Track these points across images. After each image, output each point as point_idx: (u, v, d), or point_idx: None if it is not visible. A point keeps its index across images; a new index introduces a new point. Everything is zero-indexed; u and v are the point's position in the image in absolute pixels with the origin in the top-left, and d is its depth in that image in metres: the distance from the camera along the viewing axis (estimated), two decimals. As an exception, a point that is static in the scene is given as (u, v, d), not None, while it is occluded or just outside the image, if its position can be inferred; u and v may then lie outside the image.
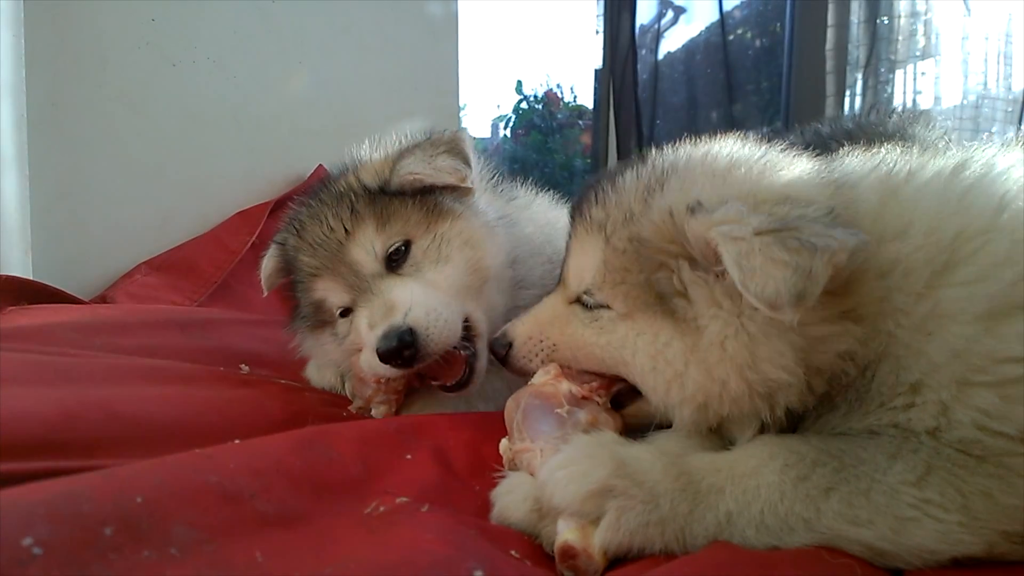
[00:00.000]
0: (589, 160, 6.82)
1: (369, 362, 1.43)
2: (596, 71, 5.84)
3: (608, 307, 1.17)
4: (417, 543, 0.92)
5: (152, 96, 2.69)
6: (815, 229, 0.97)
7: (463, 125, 4.09)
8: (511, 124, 6.63)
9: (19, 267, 2.26)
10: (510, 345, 1.30)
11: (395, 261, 1.49)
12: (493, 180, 1.80)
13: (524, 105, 6.69)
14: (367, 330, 1.42)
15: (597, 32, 5.86)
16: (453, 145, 1.59)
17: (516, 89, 6.66)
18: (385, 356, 1.36)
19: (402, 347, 1.35)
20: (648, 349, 1.11)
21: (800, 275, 0.93)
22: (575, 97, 6.75)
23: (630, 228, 1.14)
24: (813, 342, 1.03)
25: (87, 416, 1.11)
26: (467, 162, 1.57)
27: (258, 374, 1.60)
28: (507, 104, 6.69)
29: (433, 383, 1.49)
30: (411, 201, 1.53)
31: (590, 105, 6.08)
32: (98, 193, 2.53)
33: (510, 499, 1.10)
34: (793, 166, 1.19)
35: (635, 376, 1.15)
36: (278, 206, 3.06)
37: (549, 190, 1.93)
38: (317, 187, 1.68)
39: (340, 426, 1.24)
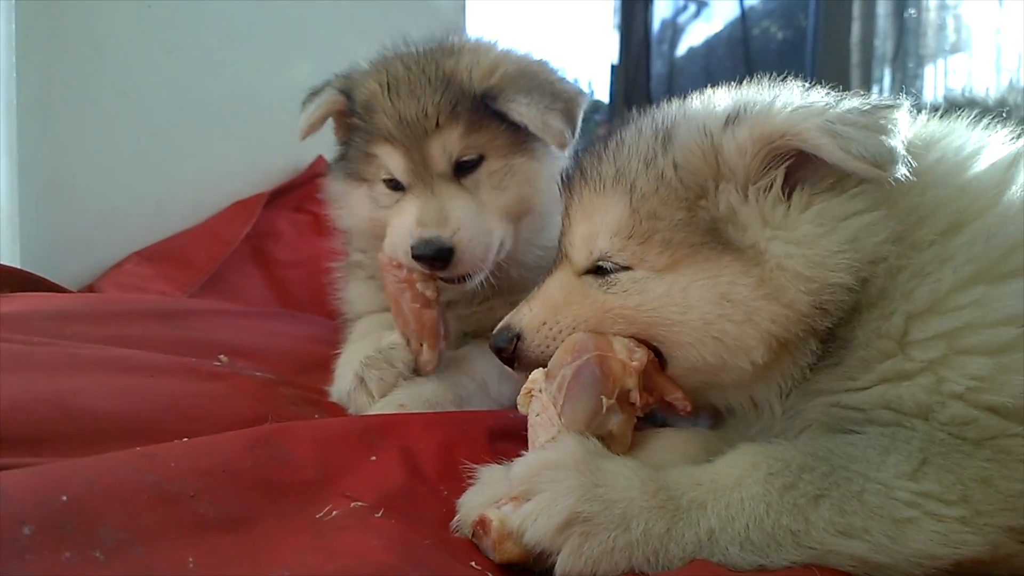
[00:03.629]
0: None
1: (394, 244, 1.54)
2: (612, 66, 5.77)
3: (630, 268, 1.11)
4: (363, 551, 0.87)
5: (148, 83, 2.66)
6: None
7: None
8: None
9: (7, 255, 2.24)
10: (518, 337, 1.20)
11: (463, 169, 1.58)
12: None
13: (540, 99, 6.62)
14: (413, 223, 1.51)
15: (615, 27, 5.80)
16: (570, 107, 1.63)
17: (532, 83, 6.59)
18: (418, 256, 1.47)
19: (437, 258, 1.47)
20: (709, 295, 1.04)
21: (895, 136, 0.95)
22: (592, 92, 6.67)
23: (655, 167, 1.10)
24: (859, 232, 1.00)
25: (35, 409, 1.08)
26: (574, 128, 1.62)
27: (233, 367, 1.56)
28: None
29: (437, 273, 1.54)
30: (504, 125, 1.61)
31: (607, 100, 6.01)
32: (91, 182, 2.50)
33: (472, 504, 1.04)
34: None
35: (685, 334, 1.07)
36: (275, 196, 3.04)
37: None
38: (422, 52, 1.71)
39: (302, 425, 1.19)
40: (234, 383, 1.44)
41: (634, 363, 1.11)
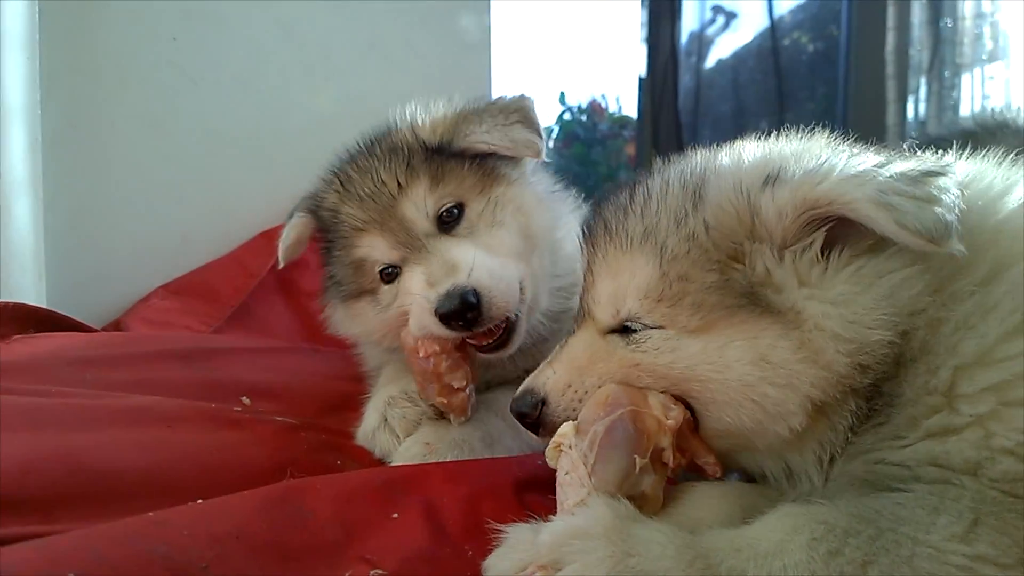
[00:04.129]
0: (634, 171, 6.69)
1: (422, 323, 1.40)
2: (640, 80, 5.71)
3: (661, 327, 1.05)
4: (381, 630, 0.83)
5: (173, 115, 2.68)
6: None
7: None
8: (553, 136, 6.53)
9: (32, 292, 2.25)
10: (542, 402, 1.13)
11: (447, 223, 1.50)
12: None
13: (567, 116, 6.58)
14: (423, 288, 1.40)
15: (642, 40, 5.74)
16: (525, 114, 1.60)
17: (559, 100, 6.56)
18: (446, 316, 1.34)
19: (465, 308, 1.33)
20: (748, 356, 0.98)
21: (948, 208, 0.90)
22: (620, 107, 6.62)
23: (686, 226, 1.04)
24: (895, 287, 0.95)
25: (47, 470, 1.05)
26: (539, 133, 1.58)
27: (254, 411, 1.52)
28: (549, 116, 6.60)
29: (470, 342, 1.44)
30: (467, 163, 1.55)
31: (635, 115, 5.95)
32: (115, 215, 2.53)
33: (499, 571, 0.99)
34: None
35: (722, 392, 1.01)
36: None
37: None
38: (362, 145, 1.67)
39: (320, 480, 1.15)
40: (254, 430, 1.41)
41: (669, 421, 1.05)
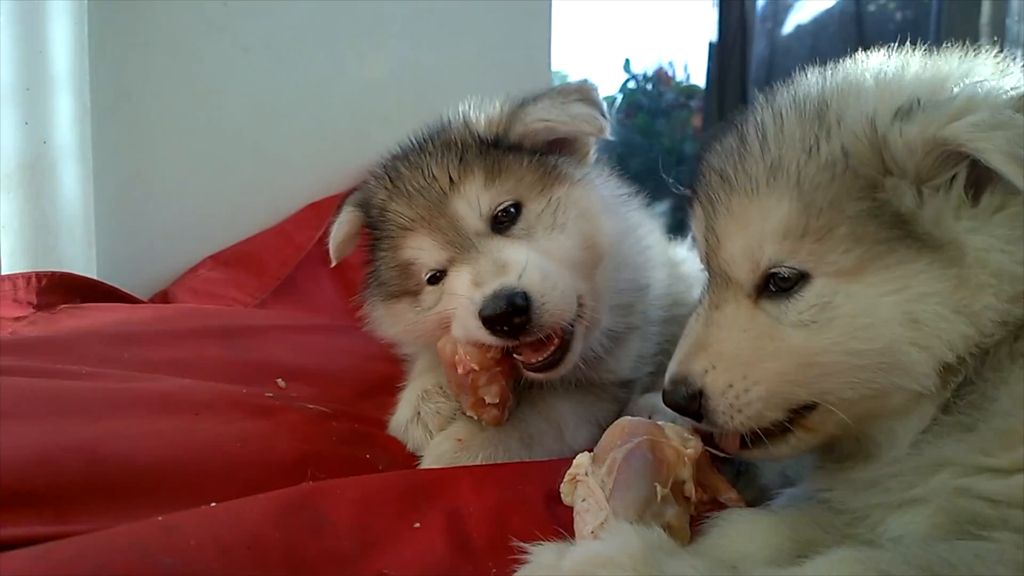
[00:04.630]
0: (700, 145, 6.46)
1: (466, 327, 1.30)
2: (710, 46, 5.48)
3: (808, 276, 0.93)
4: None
5: (223, 83, 2.66)
6: None
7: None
8: (616, 105, 6.34)
9: (82, 261, 2.28)
10: (699, 394, 1.00)
11: (502, 223, 1.39)
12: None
13: (631, 84, 6.37)
14: (469, 288, 1.29)
15: (713, 3, 5.48)
16: (585, 94, 1.49)
17: (624, 67, 6.35)
18: (491, 320, 1.22)
19: (512, 312, 1.21)
20: (898, 314, 0.89)
21: None
22: (688, 76, 6.37)
23: (821, 153, 0.94)
24: None
25: (66, 462, 1.04)
26: (602, 111, 1.47)
27: (286, 397, 1.49)
28: (612, 84, 6.40)
29: (517, 358, 1.34)
30: (527, 159, 1.45)
31: (703, 85, 5.71)
32: (165, 184, 2.54)
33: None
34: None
35: (859, 365, 0.92)
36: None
37: (657, 175, 1.82)
38: (415, 140, 1.58)
39: (341, 484, 1.11)
40: (282, 420, 1.37)
41: (688, 451, 1.01)
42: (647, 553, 0.85)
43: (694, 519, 1.03)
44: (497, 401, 1.36)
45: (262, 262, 2.57)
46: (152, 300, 2.40)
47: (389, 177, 1.52)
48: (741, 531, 1.00)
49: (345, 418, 1.50)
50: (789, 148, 0.96)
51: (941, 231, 0.89)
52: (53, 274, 2.03)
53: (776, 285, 0.97)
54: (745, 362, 0.98)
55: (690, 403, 1.01)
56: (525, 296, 1.22)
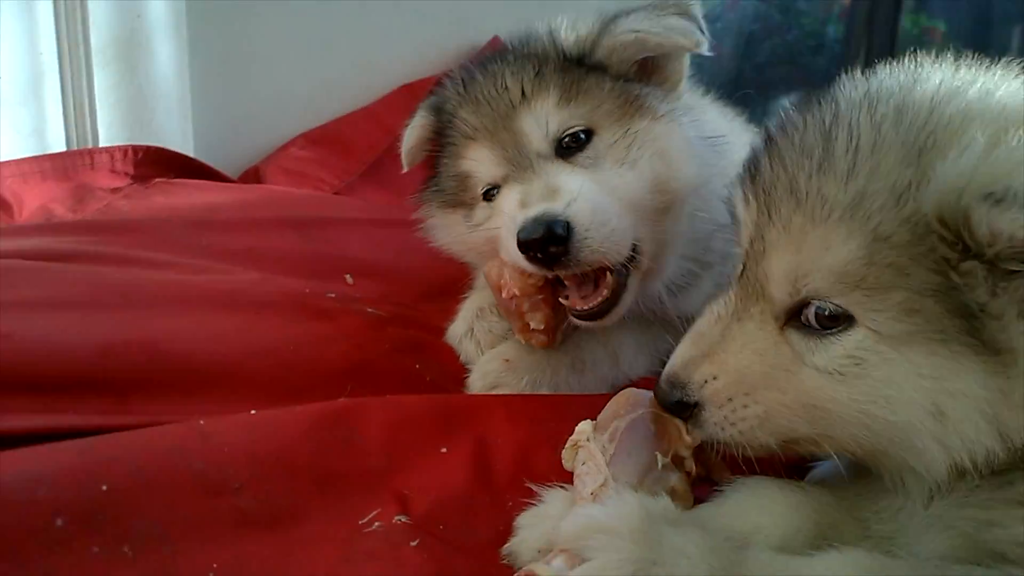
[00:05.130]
0: (844, 29, 5.89)
1: (507, 250, 1.27)
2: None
3: (852, 321, 0.83)
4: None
5: (322, -43, 2.61)
6: None
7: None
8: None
9: (178, 134, 2.37)
10: (695, 405, 0.95)
11: (569, 148, 1.32)
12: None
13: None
14: (515, 208, 1.26)
15: None
16: (683, 8, 1.37)
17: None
18: (526, 244, 1.18)
19: (550, 239, 1.16)
20: (927, 402, 0.81)
21: None
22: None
23: (909, 205, 0.80)
24: None
25: (126, 355, 1.13)
26: (700, 27, 1.35)
27: (347, 299, 1.54)
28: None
29: (563, 301, 1.31)
30: (609, 84, 1.35)
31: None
32: (261, 60, 2.56)
33: (526, 534, 0.96)
34: None
35: (872, 433, 0.85)
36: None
37: (790, 62, 1.66)
38: (499, 49, 1.53)
39: (376, 402, 1.16)
40: (340, 323, 1.43)
41: (688, 437, 0.97)
42: (647, 524, 0.85)
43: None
44: (543, 327, 1.35)
45: (350, 144, 2.60)
46: (243, 177, 2.50)
47: (463, 81, 1.46)
48: (760, 503, 0.97)
49: (403, 323, 1.55)
50: (878, 185, 0.83)
51: (1004, 335, 0.77)
52: (148, 148, 2.14)
53: (811, 319, 0.87)
54: (751, 384, 0.92)
55: (683, 410, 0.97)
56: (567, 226, 1.16)
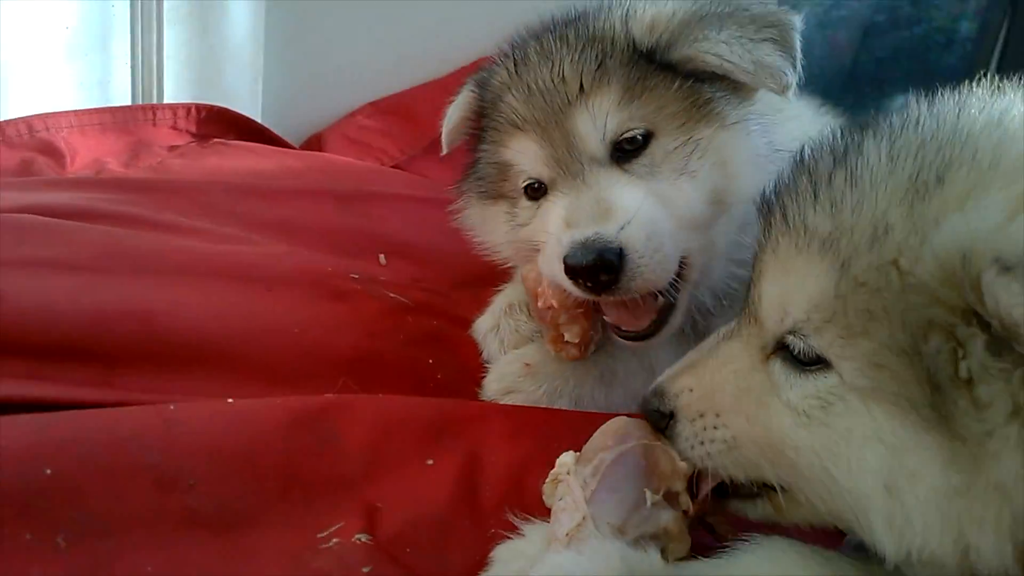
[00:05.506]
0: (977, 27, 5.40)
1: (550, 266, 1.18)
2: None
3: (826, 365, 0.77)
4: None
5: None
6: None
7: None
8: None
9: (247, 94, 2.36)
10: (671, 416, 0.91)
11: (625, 152, 1.20)
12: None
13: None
14: (561, 226, 1.16)
15: None
16: (783, 32, 1.21)
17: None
18: (574, 270, 1.10)
19: (601, 267, 1.08)
20: (887, 471, 0.73)
21: None
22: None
23: (883, 251, 0.72)
24: None
25: (119, 327, 1.10)
26: (794, 62, 1.19)
27: (369, 281, 1.47)
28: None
29: (606, 318, 1.23)
30: (677, 84, 1.21)
31: None
32: (337, 26, 2.52)
33: (500, 570, 0.88)
34: None
35: (837, 493, 0.78)
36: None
37: (914, 58, 1.48)
38: (562, 20, 1.37)
39: (366, 401, 1.09)
40: (355, 308, 1.37)
41: (682, 464, 0.90)
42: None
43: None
44: (577, 341, 1.25)
45: (417, 116, 2.53)
46: (306, 143, 2.48)
47: (515, 60, 1.32)
48: (774, 568, 0.86)
49: (428, 312, 1.47)
50: (857, 219, 0.74)
51: (978, 423, 0.65)
52: (212, 107, 2.14)
53: (798, 353, 0.80)
54: (721, 405, 0.88)
55: (659, 420, 0.92)
56: (620, 253, 1.06)
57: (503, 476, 1.03)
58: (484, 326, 1.43)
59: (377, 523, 0.92)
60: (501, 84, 1.34)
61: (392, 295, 1.47)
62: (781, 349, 0.82)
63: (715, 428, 0.88)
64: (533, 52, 1.31)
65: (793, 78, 1.16)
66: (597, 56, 1.21)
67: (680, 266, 1.15)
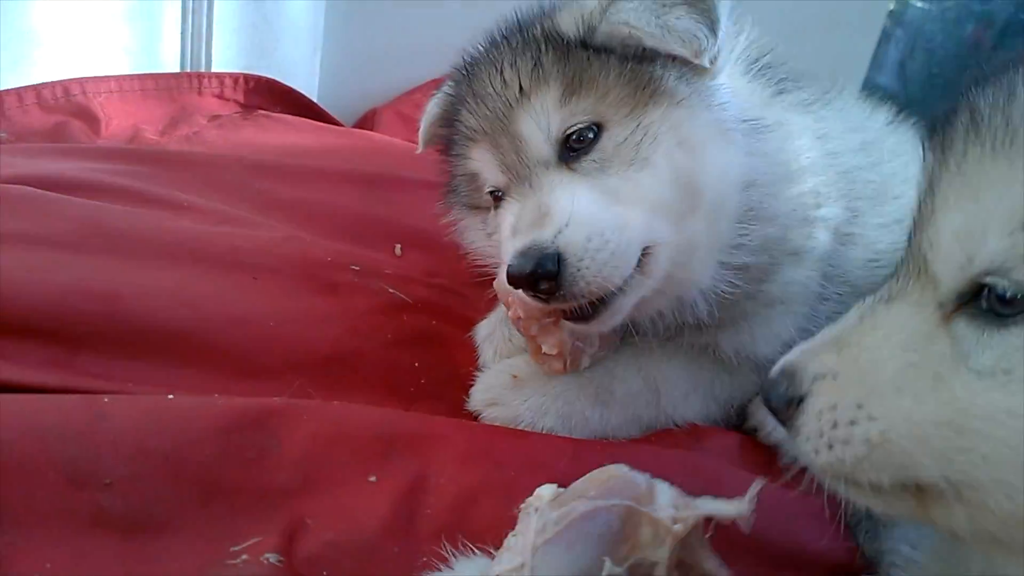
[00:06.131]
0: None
1: (502, 279, 1.15)
2: None
3: None
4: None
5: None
6: None
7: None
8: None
9: (306, 65, 2.35)
10: (800, 400, 0.74)
11: (575, 151, 1.14)
12: (758, 63, 1.31)
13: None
14: (509, 234, 1.14)
15: None
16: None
17: None
18: (514, 279, 1.06)
19: (539, 275, 1.04)
20: None
21: None
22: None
23: None
24: None
25: (82, 308, 1.08)
26: (713, 27, 1.12)
27: (370, 273, 1.42)
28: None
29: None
30: (617, 68, 1.15)
31: None
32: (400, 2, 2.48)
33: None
34: None
35: None
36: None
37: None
38: (507, 27, 1.32)
39: (316, 408, 1.04)
40: (345, 303, 1.33)
41: (676, 526, 0.77)
42: None
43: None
44: (555, 352, 1.18)
45: (475, 96, 2.48)
46: (361, 120, 2.46)
47: (467, 69, 1.29)
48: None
49: (427, 310, 1.42)
50: None
51: None
52: (260, 78, 2.14)
53: (992, 303, 0.63)
54: (874, 389, 0.69)
55: (785, 408, 0.75)
56: (558, 259, 1.00)
57: (449, 502, 0.97)
58: (482, 331, 1.38)
59: (298, 541, 0.88)
60: (456, 96, 1.31)
61: (391, 290, 1.42)
62: (968, 303, 0.65)
63: (852, 423, 0.69)
64: (483, 58, 1.27)
65: (710, 43, 1.10)
66: (532, 56, 1.15)
67: (641, 256, 1.07)
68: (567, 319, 1.12)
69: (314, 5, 2.31)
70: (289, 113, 2.14)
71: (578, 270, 1.01)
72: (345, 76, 2.45)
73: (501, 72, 1.18)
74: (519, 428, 1.19)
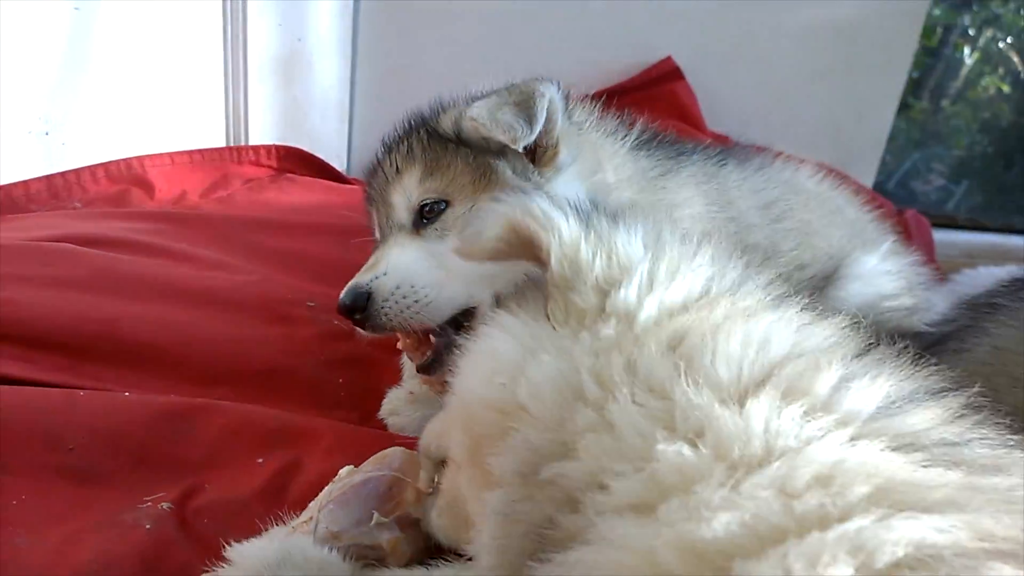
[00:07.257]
0: None
1: None
2: None
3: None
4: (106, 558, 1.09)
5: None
6: None
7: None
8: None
9: (335, 136, 2.80)
10: (368, 296, 1.37)
11: (426, 219, 1.45)
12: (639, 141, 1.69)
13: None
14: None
15: None
16: (525, 99, 1.43)
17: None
18: (338, 308, 1.41)
19: (353, 308, 1.38)
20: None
21: None
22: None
23: None
24: None
25: (89, 328, 1.53)
26: (530, 121, 1.40)
27: (323, 309, 1.79)
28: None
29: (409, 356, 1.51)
30: (467, 157, 1.47)
31: None
32: (424, 74, 2.87)
33: (241, 552, 1.11)
34: None
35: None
36: (608, 96, 3.03)
37: None
38: (416, 119, 1.68)
39: (230, 408, 1.42)
40: (294, 331, 1.71)
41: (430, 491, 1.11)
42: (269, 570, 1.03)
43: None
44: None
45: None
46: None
47: (379, 149, 1.64)
48: None
49: (368, 340, 1.78)
50: None
51: None
52: (289, 148, 2.61)
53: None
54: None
55: (363, 307, 1.38)
56: (368, 297, 1.35)
57: (312, 481, 1.30)
58: (405, 356, 1.72)
59: (191, 497, 1.25)
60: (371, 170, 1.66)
61: (336, 323, 1.80)
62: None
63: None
64: (388, 140, 1.62)
65: (521, 133, 1.36)
66: (408, 144, 1.50)
67: (467, 313, 1.38)
68: (417, 371, 1.45)
69: (340, 84, 2.77)
70: (312, 176, 2.60)
71: (380, 308, 1.35)
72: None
73: (389, 154, 1.55)
74: (406, 435, 1.53)
